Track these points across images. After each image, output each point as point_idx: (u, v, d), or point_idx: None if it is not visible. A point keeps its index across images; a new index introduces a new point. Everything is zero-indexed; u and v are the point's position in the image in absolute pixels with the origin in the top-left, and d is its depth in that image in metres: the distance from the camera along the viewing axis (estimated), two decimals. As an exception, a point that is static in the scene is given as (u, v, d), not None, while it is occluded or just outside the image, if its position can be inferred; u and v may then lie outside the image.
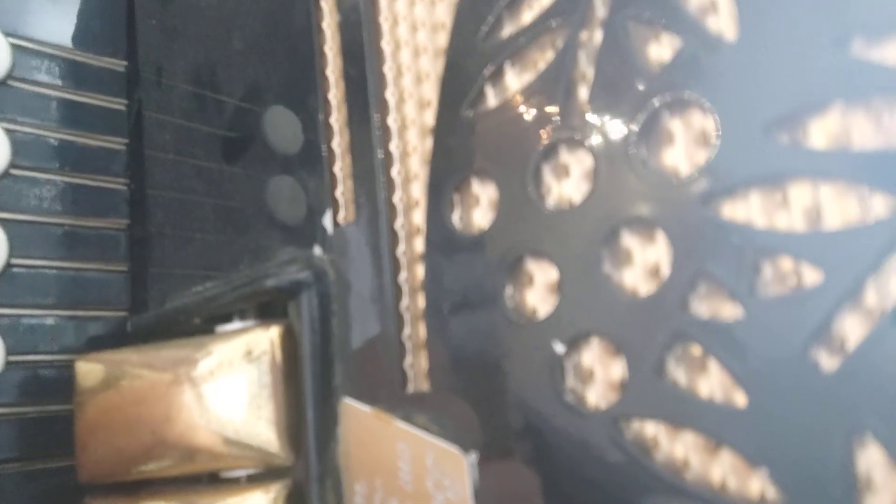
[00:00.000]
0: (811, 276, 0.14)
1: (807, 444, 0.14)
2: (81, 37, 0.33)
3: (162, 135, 0.32)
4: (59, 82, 0.32)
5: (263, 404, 0.22)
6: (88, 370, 0.25)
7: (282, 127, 0.26)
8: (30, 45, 0.32)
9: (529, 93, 0.19)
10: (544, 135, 0.19)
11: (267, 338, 0.23)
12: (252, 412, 0.22)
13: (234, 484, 0.23)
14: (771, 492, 0.14)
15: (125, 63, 0.34)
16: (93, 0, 0.34)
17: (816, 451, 0.14)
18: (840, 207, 0.14)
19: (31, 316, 0.30)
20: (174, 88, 0.31)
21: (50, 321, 0.30)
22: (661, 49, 0.17)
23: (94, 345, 0.30)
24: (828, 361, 0.14)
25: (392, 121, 0.22)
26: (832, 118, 0.14)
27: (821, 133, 0.14)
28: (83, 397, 0.25)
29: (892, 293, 0.13)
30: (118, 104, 0.34)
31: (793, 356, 0.14)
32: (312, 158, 0.25)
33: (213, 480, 0.24)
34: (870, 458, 0.13)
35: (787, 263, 0.15)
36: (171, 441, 0.23)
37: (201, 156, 0.29)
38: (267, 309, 0.25)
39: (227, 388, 0.22)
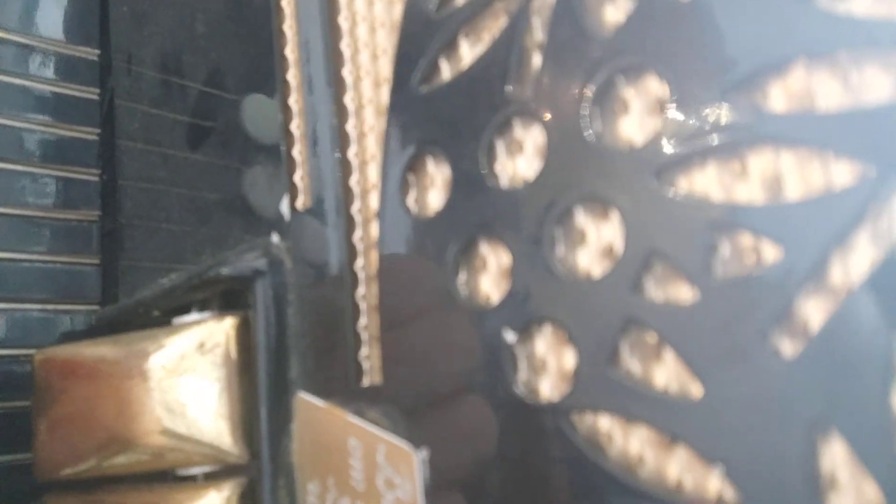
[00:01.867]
0: (771, 254, 0.13)
1: (766, 439, 0.13)
2: (53, 25, 0.33)
3: (132, 124, 0.31)
4: (29, 71, 0.32)
5: (216, 399, 0.21)
6: (46, 364, 0.24)
7: (259, 115, 0.25)
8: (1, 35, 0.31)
9: (483, 64, 0.18)
10: (497, 108, 0.17)
11: (221, 330, 0.22)
12: (204, 407, 0.21)
13: (190, 482, 0.22)
14: (729, 491, 0.13)
15: (98, 52, 0.33)
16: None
17: (776, 446, 0.12)
18: (802, 176, 0.13)
19: (2, 310, 0.29)
20: (143, 76, 0.30)
21: (19, 315, 0.29)
22: (617, 12, 0.16)
23: (67, 340, 0.30)
24: (789, 347, 0.13)
25: (349, 100, 0.21)
26: (795, 78, 0.13)
27: (782, 95, 0.13)
28: (41, 392, 0.24)
29: (859, 270, 0.12)
30: (91, 93, 0.33)
31: (751, 341, 0.13)
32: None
33: (169, 479, 0.23)
34: (834, 454, 0.12)
35: (746, 240, 0.13)
36: (122, 437, 0.22)
37: (167, 144, 0.28)
38: (230, 300, 0.24)
39: (178, 383, 0.21)
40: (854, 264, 0.12)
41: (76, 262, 0.31)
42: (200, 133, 0.27)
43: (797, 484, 0.12)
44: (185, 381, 0.21)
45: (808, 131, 0.13)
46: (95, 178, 0.32)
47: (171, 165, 0.28)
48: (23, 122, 0.31)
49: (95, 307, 0.31)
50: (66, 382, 0.24)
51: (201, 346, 0.22)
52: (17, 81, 0.31)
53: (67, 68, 0.33)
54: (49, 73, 0.32)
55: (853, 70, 0.12)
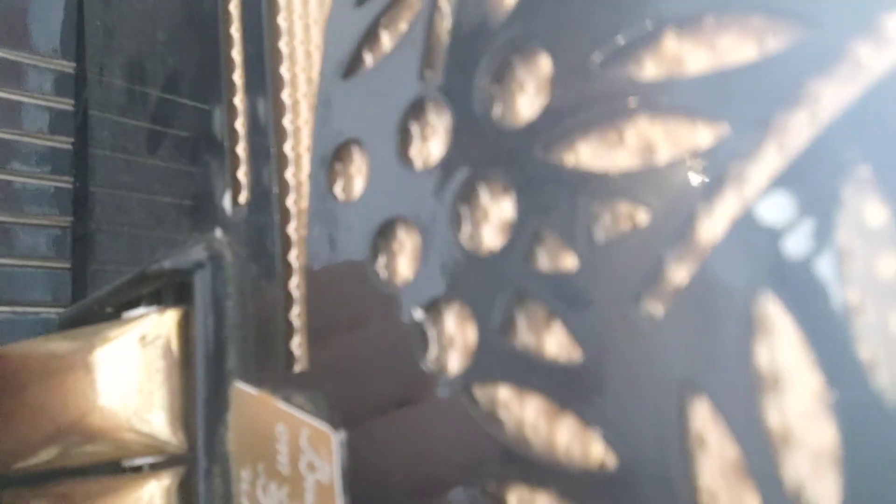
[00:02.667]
0: (643, 218, 0.13)
1: (639, 403, 0.13)
2: (33, 40, 0.34)
3: (102, 132, 0.32)
4: (9, 84, 0.33)
5: (157, 390, 0.22)
6: (2, 361, 0.25)
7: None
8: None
9: (399, 52, 0.18)
10: (411, 94, 0.18)
11: (163, 323, 0.22)
12: (145, 398, 0.22)
13: (136, 473, 0.23)
14: (609, 457, 0.13)
15: (74, 64, 0.34)
16: (45, 6, 0.35)
17: (649, 409, 0.12)
18: (673, 141, 0.13)
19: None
20: (112, 85, 0.31)
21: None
22: (514, -6, 0.16)
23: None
24: (660, 308, 0.13)
25: (286, 95, 0.22)
26: (666, 47, 0.13)
27: (655, 64, 0.13)
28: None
29: (721, 229, 0.12)
30: (67, 104, 0.34)
31: (625, 305, 0.13)
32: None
33: (117, 471, 0.23)
34: (702, 414, 0.12)
35: (623, 207, 0.13)
36: (68, 428, 0.22)
37: (131, 150, 0.29)
38: (182, 294, 0.24)
39: (120, 374, 0.22)
40: (716, 223, 0.12)
41: (50, 266, 0.32)
42: (158, 138, 0.27)
43: (670, 447, 0.12)
44: (126, 372, 0.22)
45: (677, 97, 0.13)
46: (69, 185, 0.33)
47: (133, 170, 0.29)
48: (2, 132, 0.32)
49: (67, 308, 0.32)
50: (20, 378, 0.24)
51: (143, 338, 0.22)
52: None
53: (47, 81, 0.34)
54: (29, 85, 0.33)
55: (719, 34, 0.13)
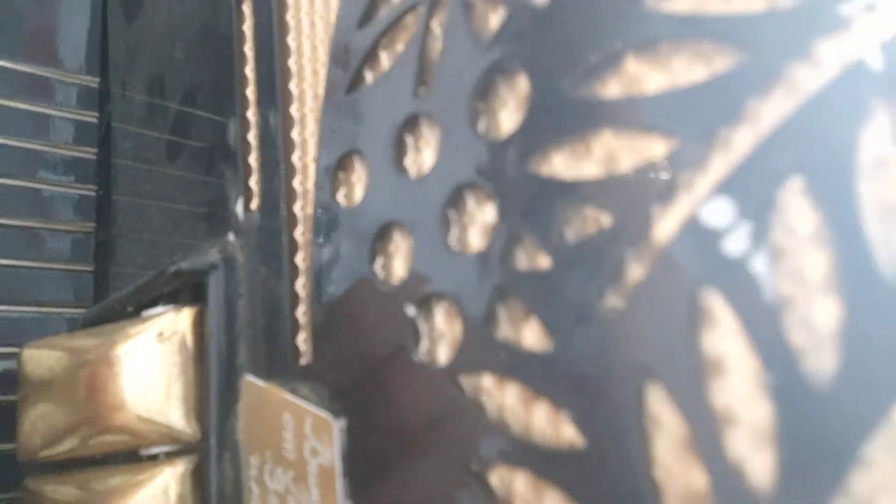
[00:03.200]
0: (607, 221, 0.15)
1: (603, 388, 0.14)
2: (61, 57, 0.36)
3: (125, 143, 0.34)
4: (39, 99, 0.35)
5: (173, 383, 0.23)
6: (30, 355, 0.27)
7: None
8: (9, 66, 0.34)
9: (396, 70, 0.20)
10: (407, 109, 0.19)
11: (179, 320, 0.24)
12: (162, 391, 0.23)
13: (152, 461, 0.24)
14: (578, 438, 0.15)
15: (98, 80, 0.36)
16: (72, 25, 0.37)
17: (611, 394, 0.14)
18: (633, 153, 0.14)
19: (6, 312, 0.32)
20: (134, 99, 0.33)
21: (14, 316, 0.32)
22: (498, 17, 0.18)
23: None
24: (621, 302, 0.14)
25: (294, 110, 0.24)
26: (627, 68, 0.15)
27: (617, 84, 0.15)
28: (25, 381, 0.27)
29: (672, 231, 0.14)
30: (91, 117, 0.36)
31: (591, 299, 0.14)
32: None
33: (135, 459, 0.25)
34: (657, 397, 0.14)
35: (590, 212, 0.15)
36: (91, 419, 0.24)
37: (151, 160, 0.31)
38: (198, 294, 0.26)
39: (139, 368, 0.24)
40: (669, 226, 0.14)
41: (74, 269, 0.34)
42: (176, 148, 0.29)
43: (631, 428, 0.14)
44: (145, 366, 0.24)
45: (637, 113, 0.14)
46: (93, 194, 0.35)
47: (153, 179, 0.31)
48: (30, 143, 0.34)
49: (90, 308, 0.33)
50: (46, 371, 0.26)
51: (160, 335, 0.24)
52: (27, 107, 0.34)
53: (73, 95, 0.36)
54: (56, 99, 0.35)
55: (673, 57, 0.14)
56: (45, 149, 0.34)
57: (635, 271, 0.14)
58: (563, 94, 0.15)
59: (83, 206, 0.34)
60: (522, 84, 0.17)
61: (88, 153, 0.35)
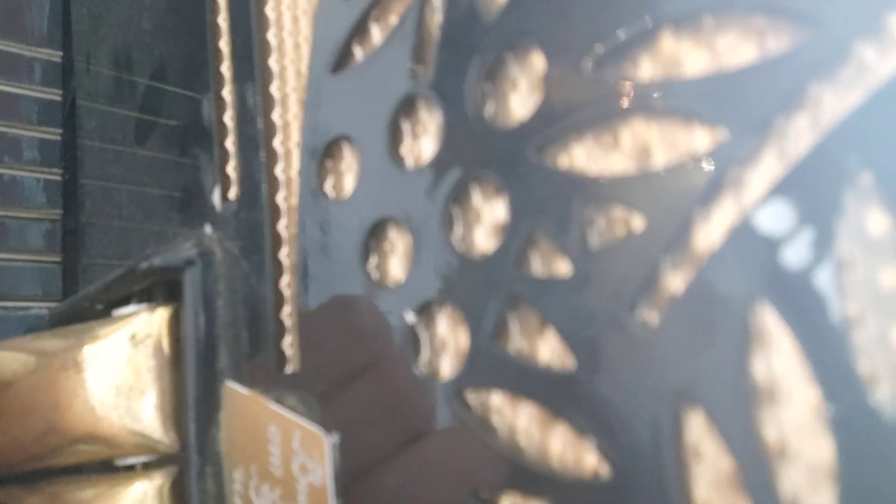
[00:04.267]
0: (638, 224, 0.13)
1: (634, 412, 0.12)
2: (19, 29, 0.33)
3: (91, 122, 0.31)
4: (-6, 74, 0.32)
5: (147, 389, 0.22)
6: (-8, 359, 0.25)
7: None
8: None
9: (389, 46, 0.18)
10: (402, 90, 0.17)
11: (153, 321, 0.22)
12: (135, 397, 0.22)
13: (127, 472, 0.23)
14: (603, 466, 0.13)
15: (61, 54, 0.34)
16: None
17: (643, 418, 0.12)
18: (669, 145, 0.13)
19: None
20: (100, 75, 0.30)
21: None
22: (506, -12, 0.15)
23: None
24: (655, 318, 0.12)
25: (275, 89, 0.21)
26: (663, 46, 0.13)
27: (651, 64, 0.13)
28: (-13, 386, 0.25)
29: (718, 236, 0.12)
30: (55, 94, 0.33)
31: (620, 313, 0.13)
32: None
33: (109, 469, 0.23)
34: (698, 425, 0.12)
35: (618, 212, 0.13)
36: (59, 428, 0.22)
37: (119, 140, 0.29)
38: (173, 291, 0.24)
39: (110, 373, 0.22)
40: (713, 231, 0.12)
41: (40, 260, 0.32)
42: (146, 128, 0.27)
43: (665, 457, 0.12)
44: (116, 371, 0.22)
45: (674, 99, 0.12)
46: (59, 178, 0.33)
47: (122, 161, 0.28)
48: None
49: (58, 304, 0.31)
50: (10, 375, 0.24)
51: (133, 337, 0.22)
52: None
53: (34, 70, 0.33)
54: (16, 75, 0.33)
55: (717, 34, 0.12)
56: (5, 129, 0.32)
57: (672, 282, 0.12)
58: (585, 75, 0.14)
59: (49, 192, 0.32)
60: (537, 63, 0.15)
61: (53, 134, 0.33)
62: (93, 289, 0.25)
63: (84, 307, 0.25)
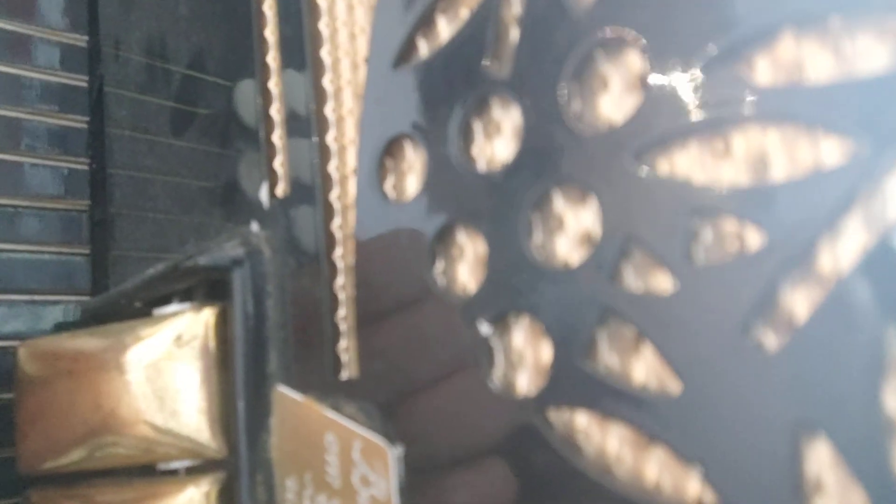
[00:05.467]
0: (755, 240, 0.12)
1: (747, 439, 0.12)
2: (43, 12, 0.32)
3: (120, 111, 0.30)
4: (19, 59, 0.31)
5: (194, 392, 0.21)
6: (28, 356, 0.24)
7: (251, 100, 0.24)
8: (-15, 21, 0.30)
9: (459, 40, 0.17)
10: (474, 87, 0.16)
11: (199, 322, 0.21)
12: (181, 400, 0.21)
13: (171, 477, 0.22)
14: (708, 494, 0.12)
15: (87, 38, 0.33)
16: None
17: (758, 447, 0.11)
18: (790, 155, 0.12)
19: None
20: (130, 61, 0.29)
21: (4, 308, 0.29)
22: (596, -19, 0.15)
23: (60, 331, 0.29)
24: (772, 340, 0.12)
25: (327, 81, 0.20)
26: (783, 48, 0.12)
27: (769, 67, 0.12)
28: (23, 384, 0.24)
29: (849, 257, 0.11)
30: (81, 81, 0.32)
31: (731, 334, 0.12)
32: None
33: (151, 473, 0.22)
34: (820, 456, 0.11)
35: (729, 225, 0.12)
36: (101, 430, 0.21)
37: (153, 130, 0.28)
38: (216, 289, 0.23)
39: (155, 375, 0.21)
40: (844, 250, 0.11)
41: (66, 252, 0.31)
42: (183, 119, 0.26)
43: (781, 488, 0.11)
44: (162, 374, 0.21)
45: (797, 106, 0.12)
46: (85, 167, 0.32)
47: (157, 152, 0.27)
48: (11, 110, 0.30)
49: (86, 297, 0.30)
50: (47, 374, 0.23)
51: (178, 338, 0.21)
52: (5, 69, 0.31)
53: (58, 55, 0.32)
54: (39, 60, 0.32)
55: (845, 38, 0.11)
56: (28, 116, 0.31)
57: (793, 303, 0.11)
58: (691, 76, 0.13)
59: (74, 182, 0.31)
60: (633, 61, 0.14)
61: (78, 122, 0.32)
62: (130, 285, 0.24)
63: (121, 304, 0.25)
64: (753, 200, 0.12)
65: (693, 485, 0.12)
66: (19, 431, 0.24)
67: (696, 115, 0.13)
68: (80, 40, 0.32)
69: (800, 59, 0.12)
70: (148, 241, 0.28)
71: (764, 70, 0.12)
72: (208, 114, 0.25)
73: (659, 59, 0.13)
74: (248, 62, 0.23)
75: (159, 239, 0.27)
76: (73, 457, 0.22)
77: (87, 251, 0.31)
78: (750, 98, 0.12)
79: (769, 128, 0.12)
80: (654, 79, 0.13)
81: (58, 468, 0.23)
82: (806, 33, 0.12)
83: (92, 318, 0.26)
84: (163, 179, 0.27)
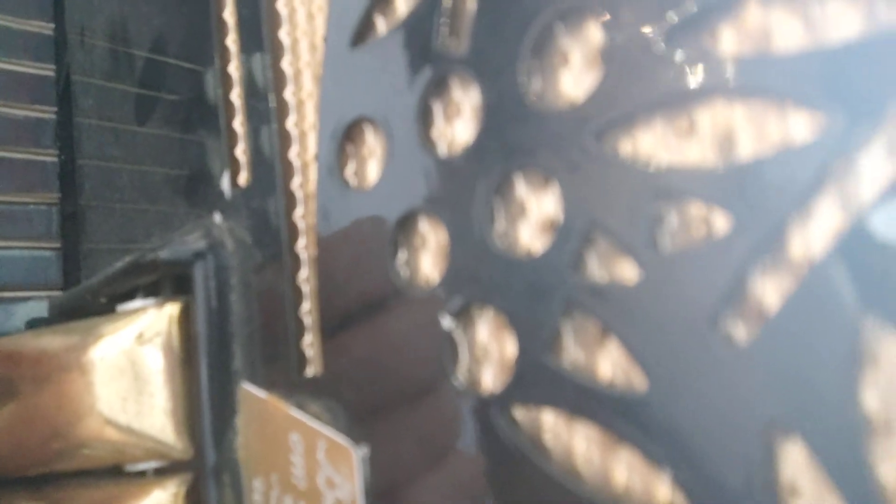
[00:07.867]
0: (722, 224, 0.11)
1: (717, 441, 0.11)
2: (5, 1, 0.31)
3: (87, 100, 0.29)
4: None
5: (157, 391, 0.20)
6: (-9, 356, 0.23)
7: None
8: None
9: (416, 16, 0.16)
10: (433, 66, 0.15)
11: (161, 318, 0.20)
12: (145, 400, 0.20)
13: (139, 478, 0.21)
14: (679, 498, 0.11)
15: (52, 26, 0.31)
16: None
17: (729, 448, 0.11)
18: (758, 132, 0.11)
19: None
20: (95, 48, 0.28)
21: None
22: (554, -52, 0.14)
23: (32, 328, 0.29)
24: (742, 332, 0.11)
25: (287, 64, 0.19)
26: (749, 16, 0.11)
27: (735, 37, 0.11)
28: (-13, 386, 0.23)
29: (822, 240, 0.10)
30: (47, 70, 0.31)
31: (699, 326, 0.11)
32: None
33: (118, 475, 0.22)
34: (794, 458, 0.10)
35: (695, 209, 0.11)
36: (65, 432, 0.21)
37: (118, 118, 0.27)
38: (182, 284, 0.22)
39: (117, 375, 0.20)
40: (816, 234, 0.10)
41: (37, 246, 0.30)
42: (148, 105, 0.25)
43: (754, 492, 0.10)
44: (125, 373, 0.20)
45: (765, 77, 0.11)
46: (54, 159, 0.31)
47: (122, 142, 0.27)
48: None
49: (59, 293, 0.30)
50: (11, 377, 0.22)
51: (140, 336, 0.20)
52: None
53: (23, 44, 0.31)
54: (4, 49, 0.31)
55: (815, 4, 0.10)
56: (-4, 107, 0.30)
57: (765, 293, 0.11)
58: (651, 48, 0.12)
59: (44, 174, 0.30)
60: (592, 34, 0.13)
61: (46, 112, 0.31)
62: (95, 281, 0.23)
63: (87, 300, 0.24)
64: (720, 182, 0.11)
65: (663, 489, 0.12)
66: (-15, 434, 0.23)
67: (657, 90, 0.12)
68: (47, 28, 0.31)
69: (767, 27, 0.11)
70: (117, 234, 0.27)
71: (729, 40, 0.11)
72: (172, 100, 0.24)
73: (618, 30, 0.12)
74: (208, 46, 0.22)
75: (128, 231, 0.26)
76: (40, 459, 0.22)
77: (58, 245, 0.30)
78: (714, 70, 0.11)
79: (735, 102, 0.11)
80: (614, 52, 0.12)
81: (25, 471, 0.22)
82: (773, 1, 0.11)
83: (61, 315, 0.25)
84: (129, 169, 0.26)
